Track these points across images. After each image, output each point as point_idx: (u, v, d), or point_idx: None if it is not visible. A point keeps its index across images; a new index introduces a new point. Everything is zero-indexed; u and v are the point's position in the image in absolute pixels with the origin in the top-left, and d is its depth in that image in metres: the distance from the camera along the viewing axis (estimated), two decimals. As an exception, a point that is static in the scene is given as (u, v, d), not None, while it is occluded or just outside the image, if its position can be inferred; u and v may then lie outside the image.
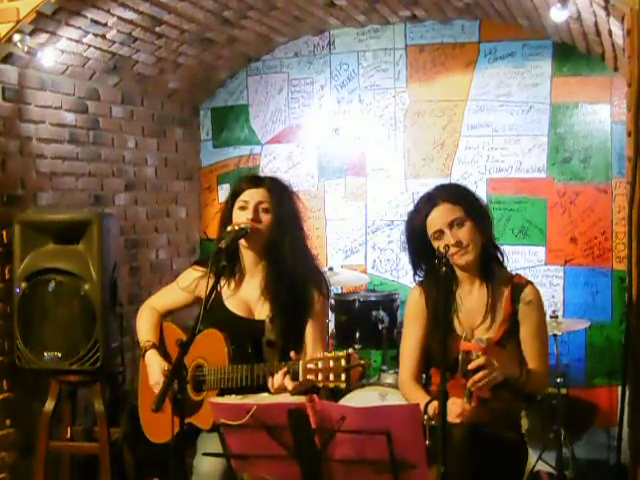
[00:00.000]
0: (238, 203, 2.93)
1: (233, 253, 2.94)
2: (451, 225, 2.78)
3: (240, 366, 2.74)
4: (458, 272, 2.86)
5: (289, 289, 2.89)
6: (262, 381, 2.69)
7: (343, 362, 2.38)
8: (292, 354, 2.62)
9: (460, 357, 2.55)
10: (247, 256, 2.97)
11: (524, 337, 2.80)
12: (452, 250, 2.74)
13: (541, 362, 2.80)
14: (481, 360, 2.55)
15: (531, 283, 2.88)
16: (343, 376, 2.38)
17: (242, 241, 2.90)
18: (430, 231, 2.81)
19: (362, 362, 2.40)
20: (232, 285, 3.00)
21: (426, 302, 2.92)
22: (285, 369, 2.61)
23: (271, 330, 2.90)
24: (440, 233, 2.79)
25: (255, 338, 2.90)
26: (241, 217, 2.89)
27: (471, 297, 2.85)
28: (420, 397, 2.76)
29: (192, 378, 2.91)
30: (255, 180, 2.99)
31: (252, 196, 2.91)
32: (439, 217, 2.79)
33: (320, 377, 2.42)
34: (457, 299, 2.86)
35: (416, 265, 2.96)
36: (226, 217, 2.97)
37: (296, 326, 2.91)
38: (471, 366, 2.54)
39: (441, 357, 2.79)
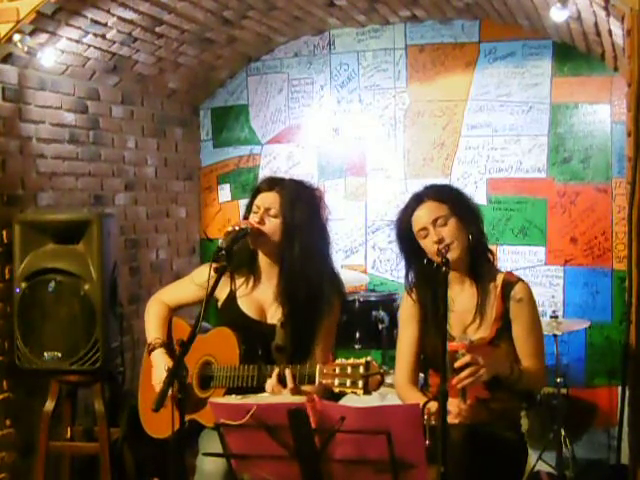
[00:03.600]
0: (253, 208, 2.94)
1: (251, 254, 2.95)
2: (434, 223, 2.77)
3: (252, 366, 2.74)
4: None
5: (303, 296, 2.88)
6: None
7: (362, 369, 2.35)
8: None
9: (447, 357, 2.56)
10: (262, 258, 2.98)
11: (517, 335, 2.79)
12: (435, 247, 2.73)
13: (535, 360, 2.79)
14: (467, 358, 2.56)
15: (522, 280, 2.86)
16: (360, 383, 2.34)
17: (252, 245, 2.91)
18: (416, 229, 2.81)
19: (381, 370, 2.39)
20: (249, 285, 3.00)
21: (418, 304, 2.92)
22: (277, 372, 2.63)
23: (281, 335, 2.90)
24: (425, 231, 2.79)
25: (265, 341, 2.90)
26: (252, 220, 2.90)
27: (461, 298, 2.84)
28: (416, 399, 2.76)
29: (199, 374, 2.91)
30: (270, 183, 2.97)
31: (263, 200, 2.92)
32: (423, 215, 2.80)
33: (337, 382, 2.40)
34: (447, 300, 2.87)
35: (408, 265, 2.95)
36: (245, 216, 2.98)
37: (306, 334, 2.90)
38: (457, 364, 2.54)
39: (435, 358, 2.80)
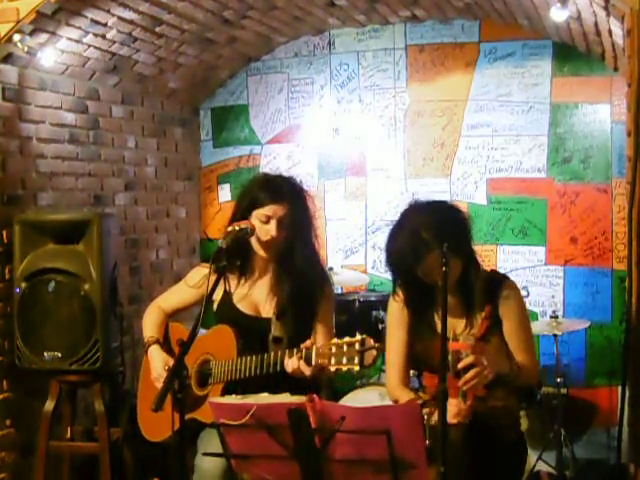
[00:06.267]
0: (258, 215, 2.90)
1: (244, 254, 2.96)
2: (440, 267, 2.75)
3: (249, 357, 2.75)
4: None
5: (295, 288, 2.91)
6: (272, 370, 2.70)
7: (357, 346, 2.38)
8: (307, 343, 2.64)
9: (450, 357, 2.54)
10: (259, 258, 2.99)
11: (508, 332, 2.80)
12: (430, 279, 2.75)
13: (528, 355, 2.80)
14: (470, 358, 2.54)
15: (507, 278, 2.87)
16: (356, 359, 2.37)
17: (259, 248, 2.92)
18: (417, 267, 2.77)
19: (377, 345, 2.39)
20: (244, 286, 3.02)
21: (406, 305, 2.91)
22: (300, 354, 2.61)
23: (277, 327, 2.91)
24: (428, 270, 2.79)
25: (262, 335, 2.92)
26: (263, 231, 2.89)
27: (449, 302, 2.83)
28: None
29: (197, 372, 2.93)
30: (277, 195, 2.93)
31: (275, 212, 2.90)
32: (430, 264, 2.72)
33: (333, 361, 2.43)
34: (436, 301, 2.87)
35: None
36: (237, 218, 2.94)
37: (302, 323, 2.93)
38: (461, 365, 2.53)
39: (428, 359, 2.82)
